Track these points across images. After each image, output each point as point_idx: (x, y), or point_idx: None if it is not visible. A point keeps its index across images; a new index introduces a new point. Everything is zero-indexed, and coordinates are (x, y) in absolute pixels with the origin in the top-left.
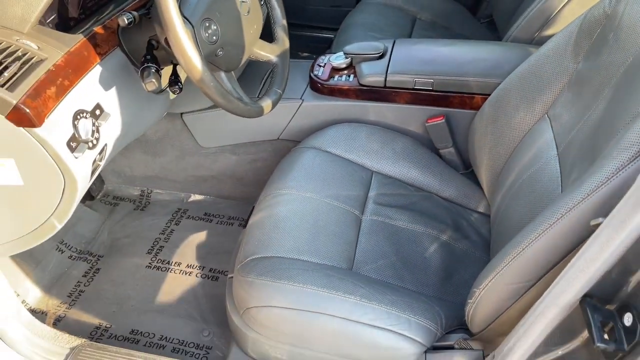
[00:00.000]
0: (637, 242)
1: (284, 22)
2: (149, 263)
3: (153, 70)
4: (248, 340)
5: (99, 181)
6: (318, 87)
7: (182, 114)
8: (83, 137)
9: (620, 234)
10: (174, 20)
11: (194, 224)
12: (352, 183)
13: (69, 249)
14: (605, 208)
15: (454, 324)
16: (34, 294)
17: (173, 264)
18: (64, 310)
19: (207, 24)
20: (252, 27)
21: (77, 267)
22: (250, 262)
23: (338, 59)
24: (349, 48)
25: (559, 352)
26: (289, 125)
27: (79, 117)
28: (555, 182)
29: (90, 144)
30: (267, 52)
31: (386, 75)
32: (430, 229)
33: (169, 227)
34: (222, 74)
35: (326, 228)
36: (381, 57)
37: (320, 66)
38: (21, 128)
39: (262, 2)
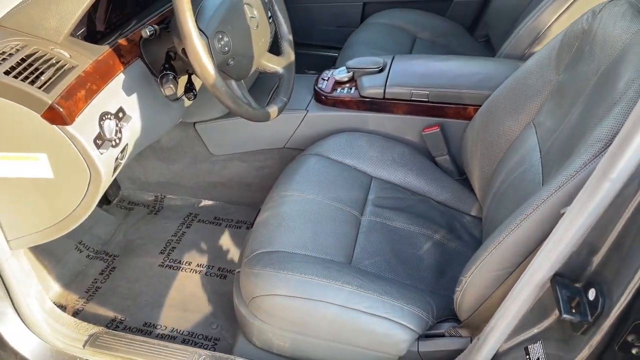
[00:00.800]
0: (598, 225)
1: (290, 37)
2: (162, 262)
3: (171, 77)
4: (254, 329)
5: (116, 187)
6: (322, 99)
7: (195, 123)
8: (108, 136)
9: (580, 217)
10: (191, 31)
11: (204, 227)
12: (353, 187)
13: (87, 249)
14: (573, 198)
15: (444, 314)
16: (55, 290)
17: (184, 263)
18: (82, 304)
19: (220, 36)
20: (260, 40)
21: (94, 266)
22: (256, 256)
23: (341, 73)
24: (351, 63)
25: (535, 330)
26: (295, 134)
27: (104, 118)
28: (537, 182)
29: (114, 143)
30: (275, 64)
31: (385, 88)
32: (425, 229)
33: (180, 229)
34: (233, 82)
35: (327, 226)
36: (381, 71)
37: (324, 80)
38: (54, 126)
39: (270, 19)
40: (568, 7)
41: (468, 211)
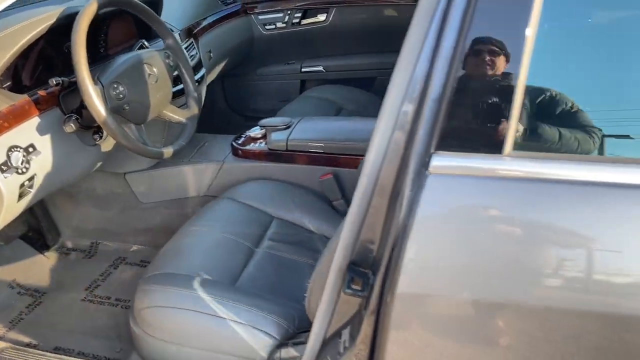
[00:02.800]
0: (373, 221)
1: (195, 94)
2: (84, 297)
3: (73, 118)
4: (143, 343)
5: (55, 233)
6: (237, 152)
7: (125, 173)
8: (14, 164)
9: (355, 207)
10: (85, 79)
11: (129, 268)
12: (253, 224)
13: (19, 287)
14: None
15: (308, 326)
16: None
17: (104, 298)
18: (3, 333)
19: (115, 86)
20: (158, 92)
21: (22, 301)
22: (148, 277)
23: (255, 131)
24: (263, 122)
25: (346, 318)
26: (213, 183)
27: (12, 150)
28: None
29: (20, 171)
30: (179, 115)
31: (287, 141)
32: (312, 260)
33: (107, 270)
34: (133, 126)
35: (218, 254)
36: (288, 128)
37: (241, 137)
38: None
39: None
40: None
41: None
